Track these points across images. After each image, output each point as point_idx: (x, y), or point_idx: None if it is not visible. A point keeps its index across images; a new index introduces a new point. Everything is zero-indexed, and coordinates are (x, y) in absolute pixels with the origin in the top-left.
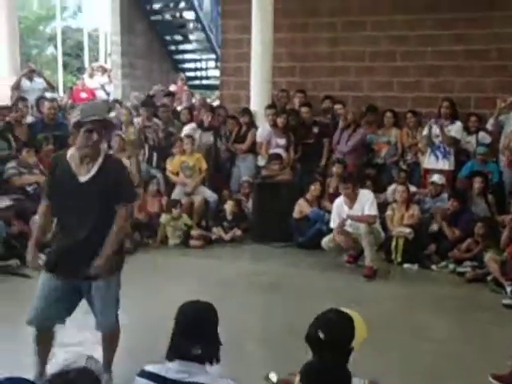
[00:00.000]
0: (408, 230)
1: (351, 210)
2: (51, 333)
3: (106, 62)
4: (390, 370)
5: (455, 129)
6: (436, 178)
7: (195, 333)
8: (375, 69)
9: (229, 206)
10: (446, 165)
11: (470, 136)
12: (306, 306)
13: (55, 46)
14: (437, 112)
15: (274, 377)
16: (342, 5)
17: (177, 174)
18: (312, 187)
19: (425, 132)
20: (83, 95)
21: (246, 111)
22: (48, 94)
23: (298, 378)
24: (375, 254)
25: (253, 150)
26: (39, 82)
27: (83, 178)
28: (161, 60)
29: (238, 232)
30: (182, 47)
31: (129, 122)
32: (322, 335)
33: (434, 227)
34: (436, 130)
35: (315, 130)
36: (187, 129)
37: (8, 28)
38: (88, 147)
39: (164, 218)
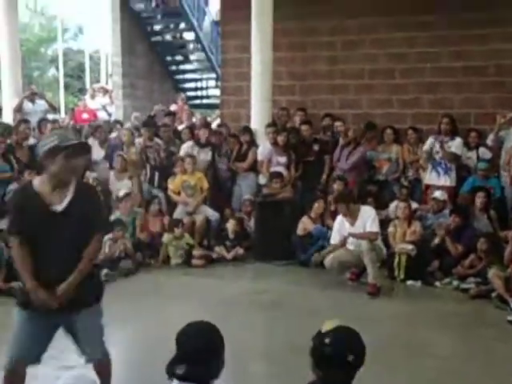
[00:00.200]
0: (410, 247)
1: (353, 227)
2: (25, 373)
3: (107, 82)
4: None
5: (455, 145)
6: (438, 194)
7: (196, 354)
8: (374, 86)
9: (231, 225)
10: (447, 181)
11: (471, 152)
12: (308, 324)
13: (57, 68)
14: (437, 128)
15: None
16: (340, 23)
17: (178, 193)
18: (316, 205)
19: (425, 147)
20: (85, 116)
21: (247, 130)
22: (50, 116)
23: None
24: (378, 271)
25: (254, 168)
26: (41, 104)
27: (59, 208)
28: (162, 80)
29: (240, 251)
30: (182, 67)
31: (130, 142)
32: (351, 358)
33: (436, 241)
34: (436, 146)
35: (316, 147)
36: (185, 147)
37: (10, 51)
38: (69, 173)
39: (166, 237)
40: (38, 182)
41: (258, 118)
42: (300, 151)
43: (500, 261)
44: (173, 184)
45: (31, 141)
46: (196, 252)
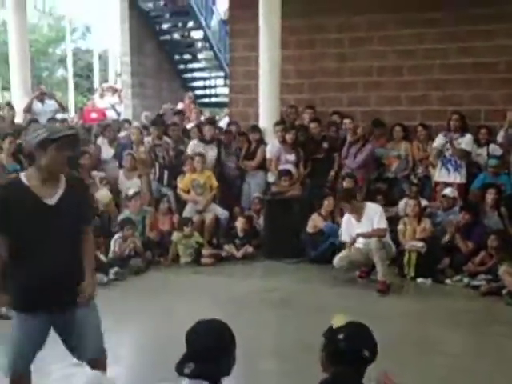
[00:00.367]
0: (420, 244)
1: (359, 224)
2: (30, 375)
3: (115, 82)
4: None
5: (465, 141)
6: (448, 191)
7: (206, 352)
8: (383, 83)
9: (240, 224)
10: (457, 178)
11: (481, 148)
12: (318, 321)
13: (65, 68)
14: (446, 125)
15: None
16: (348, 21)
17: (188, 191)
18: (326, 202)
19: (435, 144)
20: (94, 115)
21: (256, 128)
22: (59, 116)
23: None
24: (387, 268)
25: (263, 166)
26: (50, 104)
27: (50, 201)
28: (170, 79)
29: (249, 249)
30: (190, 66)
31: (139, 141)
32: (367, 354)
33: (446, 238)
34: (447, 143)
35: (325, 145)
36: (191, 145)
37: (19, 52)
38: (61, 165)
39: (175, 236)
40: (27, 176)
41: (266, 116)
42: (309, 149)
43: (511, 257)
44: (182, 183)
45: None
46: (205, 251)
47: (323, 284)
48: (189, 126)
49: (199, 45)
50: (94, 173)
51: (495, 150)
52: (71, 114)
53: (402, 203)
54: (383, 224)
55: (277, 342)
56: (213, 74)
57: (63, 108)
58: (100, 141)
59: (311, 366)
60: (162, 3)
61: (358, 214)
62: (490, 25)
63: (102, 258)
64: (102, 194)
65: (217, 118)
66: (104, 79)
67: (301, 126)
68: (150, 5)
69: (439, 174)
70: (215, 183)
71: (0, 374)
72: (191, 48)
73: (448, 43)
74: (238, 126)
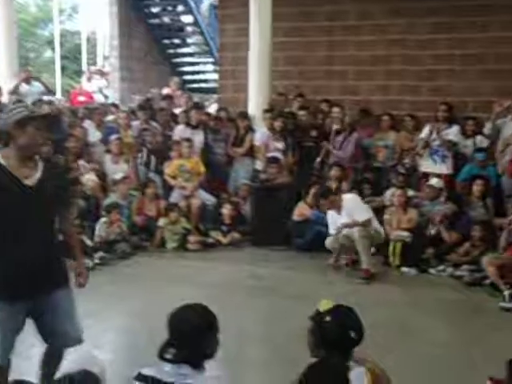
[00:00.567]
0: (406, 234)
1: (340, 217)
2: (10, 363)
3: (103, 65)
4: (390, 373)
5: (452, 132)
6: (434, 181)
7: (183, 337)
8: (373, 73)
9: (226, 210)
10: (443, 168)
11: (468, 140)
12: (304, 308)
13: (53, 49)
14: (434, 116)
15: None
16: (339, 9)
17: (174, 177)
18: (312, 190)
19: (422, 135)
20: (81, 98)
21: (244, 115)
22: (45, 98)
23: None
24: (371, 258)
25: (251, 153)
26: (37, 86)
27: (29, 182)
28: (159, 63)
29: (236, 235)
30: (180, 51)
31: (127, 125)
32: (353, 335)
33: (432, 231)
34: (433, 133)
35: (313, 133)
36: (178, 130)
37: (6, 32)
38: (39, 145)
39: (162, 221)
40: (3, 156)
41: (255, 103)
42: (297, 136)
43: (494, 248)
44: (169, 168)
45: None
46: (192, 237)
47: (310, 271)
48: (177, 111)
49: (189, 29)
50: (81, 162)
51: (482, 141)
52: (58, 96)
53: (388, 193)
54: (364, 215)
55: (262, 327)
56: (202, 60)
57: (50, 90)
58: (87, 124)
59: (297, 351)
60: None
61: (337, 207)
62: (481, 16)
63: (88, 242)
64: (89, 178)
65: (206, 103)
66: (92, 62)
67: (289, 113)
68: None
69: (426, 165)
70: (202, 169)
71: None
72: (181, 32)
73: (439, 34)
74: (228, 111)
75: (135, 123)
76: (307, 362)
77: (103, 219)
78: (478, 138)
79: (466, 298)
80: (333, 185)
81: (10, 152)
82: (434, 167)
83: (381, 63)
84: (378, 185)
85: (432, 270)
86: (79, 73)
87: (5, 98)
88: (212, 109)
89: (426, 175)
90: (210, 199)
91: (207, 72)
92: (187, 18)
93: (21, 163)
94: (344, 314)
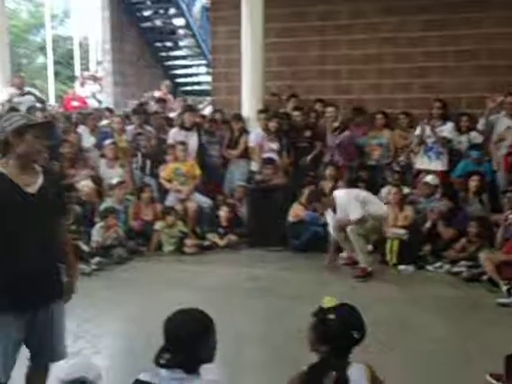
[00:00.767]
0: (402, 232)
1: (336, 215)
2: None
3: (96, 69)
4: (389, 369)
5: (447, 129)
6: (429, 178)
7: (177, 343)
8: (366, 71)
9: (223, 212)
10: (438, 165)
11: (462, 136)
12: (302, 309)
13: (45, 55)
14: (428, 113)
15: None
16: (331, 8)
17: (170, 181)
18: (306, 191)
19: (417, 132)
20: (75, 104)
21: (238, 117)
22: (38, 104)
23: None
24: (368, 256)
25: (246, 155)
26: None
27: (31, 189)
28: (152, 67)
29: (232, 237)
30: (172, 53)
31: (121, 129)
32: (356, 335)
33: (427, 225)
34: (428, 130)
35: (307, 133)
36: (172, 133)
37: None
38: (38, 152)
39: (159, 225)
40: (3, 165)
41: (249, 104)
42: (292, 137)
43: (491, 244)
44: (164, 172)
45: None
46: (188, 241)
47: (306, 272)
48: (172, 114)
49: (181, 32)
50: (83, 172)
51: (476, 137)
52: (51, 102)
53: (384, 191)
54: (357, 213)
55: (260, 329)
56: (195, 62)
57: (42, 102)
58: (81, 129)
59: (295, 351)
60: None
61: (332, 207)
62: (473, 13)
63: (84, 247)
64: (84, 184)
65: (200, 106)
66: (85, 67)
67: (284, 114)
68: None
69: (421, 162)
70: (198, 172)
71: None
72: (173, 35)
73: (431, 31)
74: (223, 113)
75: (129, 128)
76: (306, 363)
77: (99, 224)
78: (472, 133)
79: (463, 294)
80: (328, 184)
81: (9, 161)
82: (429, 164)
83: (373, 62)
84: (373, 183)
85: (429, 267)
86: (72, 78)
87: None
88: (207, 111)
89: (421, 172)
90: (206, 202)
91: (200, 74)
92: (179, 21)
93: (20, 171)
94: (348, 312)
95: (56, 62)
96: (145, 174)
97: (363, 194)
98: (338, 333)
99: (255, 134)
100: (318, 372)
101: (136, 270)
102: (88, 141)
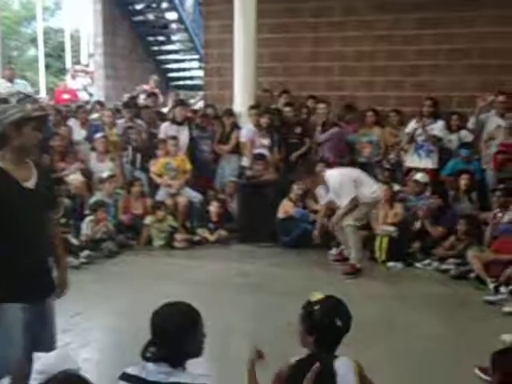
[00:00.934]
0: (392, 229)
1: (329, 194)
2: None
3: (87, 62)
4: (377, 366)
5: (437, 127)
6: (419, 176)
7: (164, 336)
8: (358, 68)
9: (213, 207)
10: (428, 163)
11: (452, 134)
12: (291, 305)
13: (37, 47)
14: (419, 111)
15: None
16: (324, 5)
17: (160, 175)
18: (295, 187)
19: (407, 130)
20: (65, 96)
21: (230, 112)
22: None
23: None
24: (360, 253)
25: (237, 150)
26: (22, 84)
27: (29, 184)
28: (144, 61)
29: (223, 233)
30: (164, 48)
31: (111, 123)
32: (339, 323)
33: (417, 225)
34: (418, 128)
35: (298, 130)
36: (163, 127)
37: None
38: (35, 146)
39: (149, 219)
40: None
41: (241, 99)
42: (283, 133)
43: (479, 242)
44: (155, 166)
45: None
46: (178, 235)
47: (296, 268)
48: (165, 109)
49: (173, 26)
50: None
51: (466, 136)
52: (42, 94)
53: None
54: (347, 198)
55: (250, 324)
56: (187, 57)
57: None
58: (72, 122)
59: (284, 347)
60: None
61: (324, 183)
62: (466, 11)
63: (73, 240)
64: (74, 177)
65: (191, 100)
66: (76, 59)
67: (275, 109)
68: None
69: (411, 160)
70: (189, 166)
71: None
72: (165, 29)
73: (424, 29)
74: (215, 108)
75: (120, 121)
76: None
77: (89, 218)
78: (463, 132)
79: (451, 291)
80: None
81: (6, 154)
82: (419, 162)
83: (366, 59)
84: None
85: (418, 264)
86: (63, 71)
87: None
88: (199, 106)
89: (412, 170)
90: (196, 196)
91: (192, 69)
92: (171, 15)
93: (17, 165)
94: (332, 303)
95: (47, 55)
96: (135, 168)
97: (356, 173)
98: (322, 322)
99: (247, 130)
100: (305, 364)
101: (126, 264)
102: (79, 134)
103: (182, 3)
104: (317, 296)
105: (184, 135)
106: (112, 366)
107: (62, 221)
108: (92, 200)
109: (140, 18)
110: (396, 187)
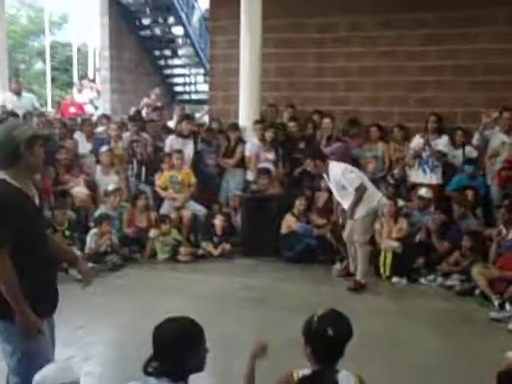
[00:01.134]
0: (396, 244)
1: (330, 183)
2: None
3: (94, 76)
4: (381, 381)
5: (442, 143)
6: (423, 191)
7: (166, 351)
8: (363, 84)
9: (218, 221)
10: (433, 179)
11: (457, 150)
12: (295, 320)
13: (43, 61)
14: (423, 126)
15: None
16: (329, 21)
17: (165, 188)
18: (297, 202)
19: (412, 145)
20: (72, 110)
21: (235, 126)
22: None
23: None
24: (366, 267)
25: (242, 164)
26: (29, 97)
27: (36, 201)
28: (150, 74)
29: (227, 246)
30: (171, 62)
31: (117, 136)
32: (330, 332)
33: (421, 236)
34: (423, 144)
35: (301, 145)
36: (169, 140)
37: None
38: (41, 164)
39: (153, 232)
40: (10, 177)
41: (246, 114)
42: (287, 148)
43: (484, 258)
44: (160, 179)
45: None
46: (182, 249)
47: (299, 283)
48: (170, 123)
49: (180, 41)
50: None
51: (470, 152)
52: (49, 107)
53: None
54: (354, 184)
55: (253, 339)
56: (193, 71)
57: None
58: (77, 135)
59: (287, 362)
60: None
61: (326, 172)
62: (470, 28)
63: (78, 253)
64: (79, 190)
65: (197, 114)
66: (83, 73)
67: (280, 124)
68: None
69: (416, 175)
70: (193, 180)
71: None
72: (172, 44)
73: (428, 45)
74: (220, 122)
75: (125, 134)
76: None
77: (93, 231)
78: (467, 148)
79: (456, 307)
80: (324, 195)
81: (19, 172)
82: (424, 177)
83: (370, 75)
84: None
85: (422, 280)
86: (70, 84)
87: None
88: (205, 120)
89: (416, 185)
90: (201, 210)
91: (198, 83)
92: (178, 30)
93: (26, 183)
94: (330, 315)
95: (54, 68)
96: (140, 182)
97: (362, 175)
98: (314, 332)
99: (251, 144)
100: (308, 382)
101: (130, 277)
102: (84, 147)
103: (189, 18)
104: (324, 310)
105: (189, 149)
106: (114, 380)
107: (67, 233)
108: (97, 213)
109: (147, 32)
110: (400, 202)
